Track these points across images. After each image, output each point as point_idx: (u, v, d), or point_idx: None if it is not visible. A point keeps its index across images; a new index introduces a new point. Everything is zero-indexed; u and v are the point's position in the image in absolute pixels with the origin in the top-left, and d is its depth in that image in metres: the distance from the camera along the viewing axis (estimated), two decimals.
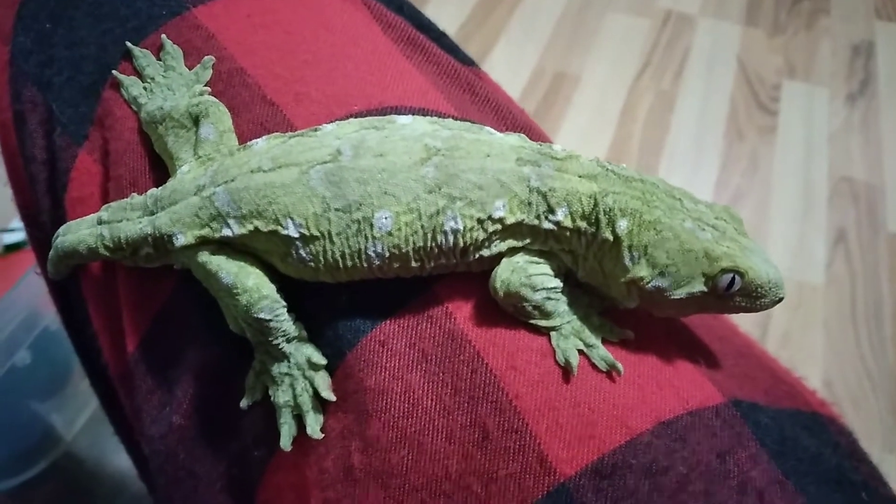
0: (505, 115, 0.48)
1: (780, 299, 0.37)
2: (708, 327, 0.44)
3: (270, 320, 0.36)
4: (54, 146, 0.45)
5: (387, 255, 0.35)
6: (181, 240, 0.37)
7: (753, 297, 0.36)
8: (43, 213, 0.47)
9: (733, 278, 0.35)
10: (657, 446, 0.35)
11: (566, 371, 0.36)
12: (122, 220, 0.39)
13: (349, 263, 0.36)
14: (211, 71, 0.43)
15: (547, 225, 0.36)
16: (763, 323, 1.24)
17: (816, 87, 1.59)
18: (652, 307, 0.37)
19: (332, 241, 0.35)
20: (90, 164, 0.44)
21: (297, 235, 0.35)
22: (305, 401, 0.38)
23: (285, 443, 0.38)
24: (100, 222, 0.39)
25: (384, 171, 0.35)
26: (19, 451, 0.78)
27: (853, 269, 1.30)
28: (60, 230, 0.41)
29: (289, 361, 0.38)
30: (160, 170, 0.41)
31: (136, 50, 0.43)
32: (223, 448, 0.41)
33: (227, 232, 0.36)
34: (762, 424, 0.38)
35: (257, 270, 0.37)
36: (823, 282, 1.30)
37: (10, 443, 0.78)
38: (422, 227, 0.35)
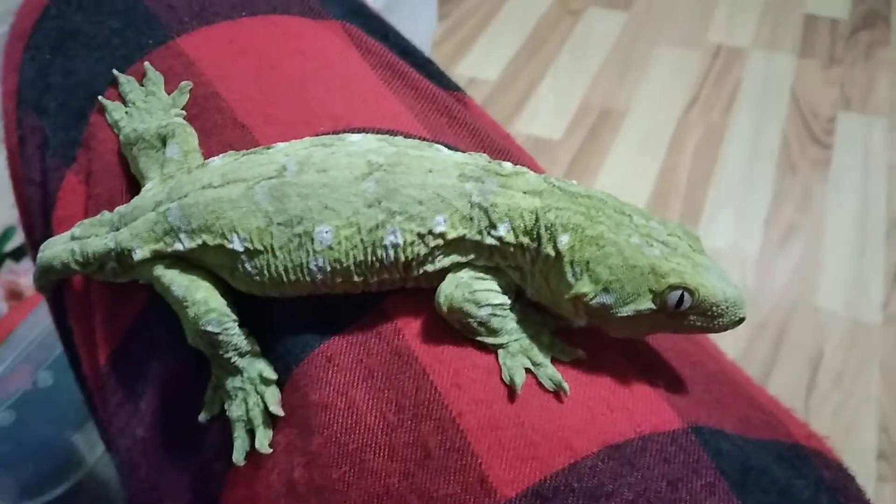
0: (482, 138, 0.48)
1: (741, 319, 0.36)
2: (679, 351, 0.42)
3: (219, 333, 0.37)
4: (47, 168, 0.47)
5: (328, 269, 0.36)
6: (139, 254, 0.38)
7: (709, 316, 0.35)
8: (37, 233, 0.49)
9: (682, 295, 0.34)
10: (602, 470, 0.34)
11: (511, 389, 0.35)
12: (91, 235, 0.40)
13: (293, 277, 0.36)
14: (188, 95, 0.44)
15: (489, 240, 0.36)
16: (814, 363, 1.19)
17: (874, 120, 1.53)
18: (603, 326, 0.36)
19: (275, 256, 0.36)
20: (76, 185, 0.46)
21: (241, 249, 0.36)
22: (257, 415, 0.38)
23: (238, 457, 0.38)
24: (72, 238, 0.41)
25: (325, 186, 0.35)
26: (43, 470, 0.81)
27: None
28: (42, 247, 0.43)
29: (242, 376, 0.38)
30: (136, 190, 0.43)
31: (122, 77, 0.46)
32: (186, 462, 0.42)
33: (178, 246, 0.37)
34: (724, 452, 0.36)
35: (207, 284, 0.38)
36: (880, 321, 1.23)
37: (34, 462, 0.81)
38: (361, 241, 0.35)
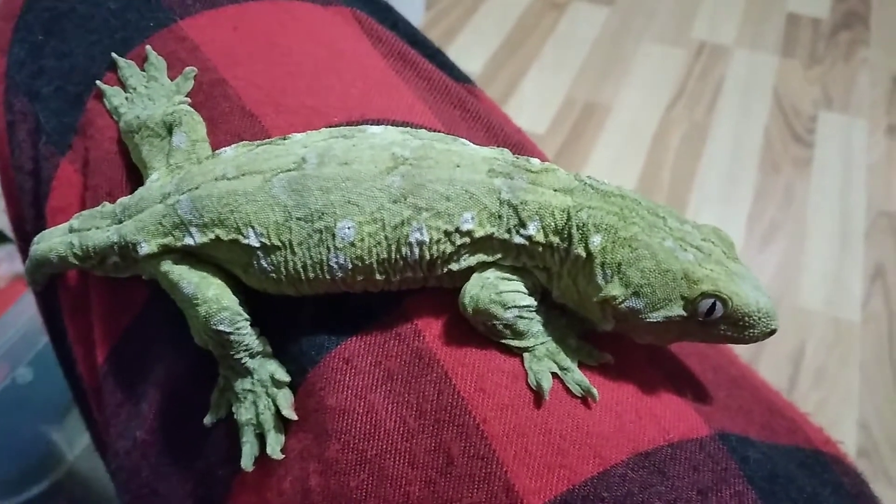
0: (496, 133, 0.46)
1: (772, 331, 0.34)
2: (701, 356, 0.41)
3: (231, 333, 0.35)
4: (39, 156, 0.45)
5: (350, 266, 0.34)
6: (145, 248, 0.36)
7: (740, 326, 0.34)
8: (28, 223, 0.47)
9: (714, 304, 0.33)
10: (632, 479, 0.33)
11: (538, 395, 0.34)
12: (92, 228, 0.38)
13: (311, 275, 0.34)
14: (192, 82, 0.42)
15: (518, 239, 0.34)
16: (796, 360, 1.19)
17: (855, 119, 1.55)
18: (630, 331, 0.35)
19: (293, 252, 0.34)
20: (71, 174, 0.44)
21: (258, 245, 0.34)
22: (267, 419, 0.36)
23: (246, 462, 0.36)
24: (71, 230, 0.39)
25: (348, 180, 0.34)
26: (22, 468, 0.78)
27: (891, 306, 1.25)
28: (35, 239, 0.40)
29: (252, 378, 0.37)
30: (136, 180, 0.41)
31: (121, 61, 0.43)
32: (188, 466, 0.40)
33: (189, 241, 0.35)
34: (751, 460, 0.35)
35: (219, 281, 0.36)
36: (860, 319, 1.25)
37: (12, 460, 0.78)
38: (385, 238, 0.34)
